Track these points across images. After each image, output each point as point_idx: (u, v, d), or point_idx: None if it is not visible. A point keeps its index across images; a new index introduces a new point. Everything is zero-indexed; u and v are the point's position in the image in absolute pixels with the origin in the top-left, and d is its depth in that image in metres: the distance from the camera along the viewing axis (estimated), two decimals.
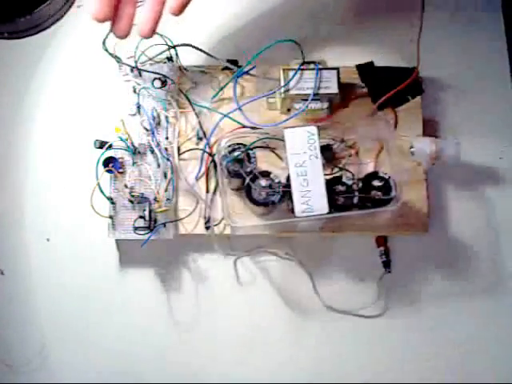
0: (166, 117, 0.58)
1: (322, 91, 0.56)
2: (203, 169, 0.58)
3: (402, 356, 0.57)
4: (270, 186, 0.53)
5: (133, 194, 0.56)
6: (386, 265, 0.57)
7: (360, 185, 0.54)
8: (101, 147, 0.55)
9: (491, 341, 0.57)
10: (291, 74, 0.56)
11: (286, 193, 0.52)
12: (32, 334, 0.57)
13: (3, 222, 0.59)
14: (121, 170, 0.57)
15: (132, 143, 0.57)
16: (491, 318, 0.57)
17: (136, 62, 0.58)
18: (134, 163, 0.57)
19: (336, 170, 0.56)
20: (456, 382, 0.56)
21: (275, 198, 0.53)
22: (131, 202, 0.56)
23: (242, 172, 0.54)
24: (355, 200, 0.53)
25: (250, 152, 0.54)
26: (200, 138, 0.59)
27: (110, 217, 0.56)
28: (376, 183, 0.54)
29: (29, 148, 0.61)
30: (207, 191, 0.58)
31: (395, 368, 0.57)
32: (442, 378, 0.56)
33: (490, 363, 0.56)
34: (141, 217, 0.56)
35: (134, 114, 0.58)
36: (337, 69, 0.57)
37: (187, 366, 0.56)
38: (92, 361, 0.57)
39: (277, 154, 0.58)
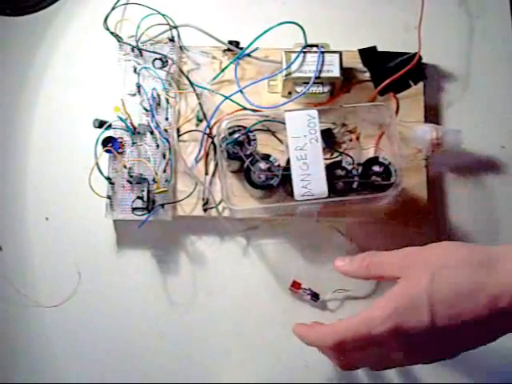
0: (166, 98, 0.58)
1: (323, 75, 0.56)
2: (203, 151, 0.58)
3: None
4: (269, 169, 0.53)
5: (131, 174, 0.55)
6: (315, 296, 0.56)
7: (360, 170, 0.54)
8: (100, 127, 0.55)
9: None
10: (293, 56, 0.56)
11: (286, 176, 0.52)
12: (28, 311, 0.57)
13: (3, 200, 0.59)
14: (120, 151, 0.56)
15: (132, 123, 0.56)
16: None
17: (137, 41, 0.58)
18: (133, 143, 0.57)
19: (336, 154, 0.56)
20: (455, 381, 0.56)
21: (274, 181, 0.53)
22: (130, 182, 0.56)
23: (242, 154, 0.53)
24: (355, 185, 0.53)
25: (250, 134, 0.54)
26: (200, 120, 0.58)
27: (108, 197, 0.56)
28: (376, 168, 0.54)
29: (29, 127, 0.61)
30: (206, 173, 0.57)
31: None
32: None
33: (487, 353, 0.56)
34: (139, 197, 0.55)
35: (134, 94, 0.58)
36: (339, 52, 0.56)
37: (184, 346, 0.56)
38: (88, 341, 0.57)
39: (277, 137, 0.57)
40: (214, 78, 0.59)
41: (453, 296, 0.41)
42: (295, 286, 0.56)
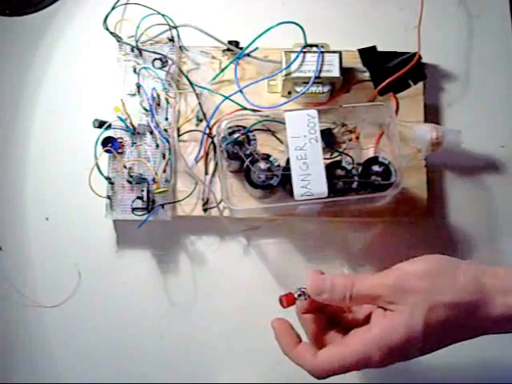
0: (166, 98, 0.58)
1: (323, 74, 0.56)
2: (202, 151, 0.58)
3: None
4: (269, 169, 0.53)
5: (131, 174, 0.55)
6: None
7: (360, 169, 0.54)
8: (100, 127, 0.55)
9: None
10: (293, 56, 0.56)
11: (286, 176, 0.52)
12: (27, 310, 0.57)
13: (3, 200, 0.59)
14: (120, 151, 0.56)
15: (131, 123, 0.56)
16: None
17: (137, 41, 0.58)
18: (133, 143, 0.57)
19: (336, 154, 0.56)
20: (456, 379, 0.56)
21: (274, 181, 0.53)
22: (129, 182, 0.56)
23: (242, 154, 0.53)
24: (354, 185, 0.53)
25: (250, 134, 0.54)
26: (200, 120, 0.58)
27: (108, 197, 0.56)
28: (376, 168, 0.54)
29: (29, 127, 0.61)
30: (206, 173, 0.57)
31: None
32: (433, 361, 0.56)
33: (487, 352, 0.56)
34: (139, 197, 0.55)
35: (134, 94, 0.58)
36: (339, 52, 0.56)
37: (184, 346, 0.57)
38: (88, 341, 0.57)
39: (277, 137, 0.57)
40: (214, 78, 0.59)
41: (445, 332, 0.42)
42: (288, 300, 0.47)
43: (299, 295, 0.46)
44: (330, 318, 0.47)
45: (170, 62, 0.58)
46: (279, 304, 0.46)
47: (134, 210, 0.55)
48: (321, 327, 0.47)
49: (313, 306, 0.46)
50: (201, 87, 0.59)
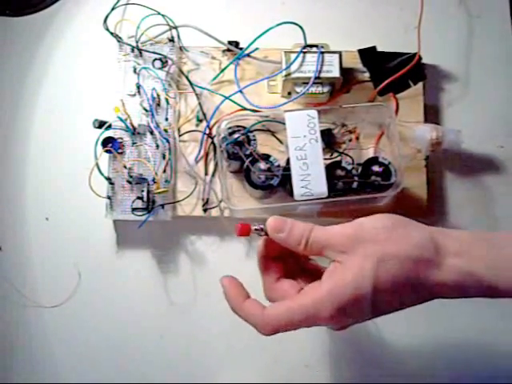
0: (166, 98, 0.58)
1: (323, 75, 0.56)
2: (202, 151, 0.58)
3: (399, 343, 0.57)
4: (269, 169, 0.53)
5: (131, 174, 0.55)
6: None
7: (360, 170, 0.54)
8: (100, 127, 0.55)
9: (488, 327, 0.57)
10: (293, 56, 0.56)
11: (286, 176, 0.52)
12: (27, 310, 0.57)
13: (3, 201, 0.59)
14: (120, 151, 0.56)
15: (131, 124, 0.56)
16: (489, 306, 0.57)
17: (137, 41, 0.58)
18: (133, 144, 0.57)
19: (336, 154, 0.56)
20: (456, 379, 0.56)
21: (274, 181, 0.53)
22: (130, 182, 0.56)
23: (242, 154, 0.53)
24: (354, 185, 0.53)
25: (250, 134, 0.54)
26: (200, 120, 0.58)
27: (108, 197, 0.56)
28: (376, 168, 0.54)
29: (29, 127, 0.61)
30: (206, 173, 0.57)
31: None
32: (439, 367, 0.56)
33: (488, 352, 0.57)
34: (139, 198, 0.55)
35: (134, 95, 0.58)
36: (339, 53, 0.56)
37: (184, 346, 0.57)
38: (88, 341, 0.57)
39: (277, 138, 0.57)
40: (214, 78, 0.59)
41: (395, 288, 0.40)
42: (243, 229, 0.45)
43: (256, 229, 0.45)
44: (289, 270, 0.46)
45: (170, 62, 0.58)
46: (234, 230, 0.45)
47: (134, 210, 0.55)
48: (275, 276, 0.46)
49: (272, 251, 0.46)
50: (201, 87, 0.59)
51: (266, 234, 0.44)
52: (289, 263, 0.46)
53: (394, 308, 0.42)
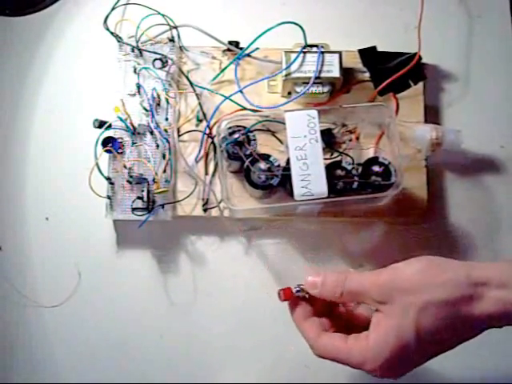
0: (166, 98, 0.58)
1: (323, 75, 0.56)
2: (203, 151, 0.58)
3: None
4: (269, 169, 0.53)
5: (131, 174, 0.55)
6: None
7: (360, 170, 0.54)
8: (100, 127, 0.55)
9: None
10: (293, 56, 0.56)
11: (286, 176, 0.52)
12: (27, 310, 0.57)
13: (3, 200, 0.59)
14: (120, 151, 0.56)
15: (131, 123, 0.56)
16: None
17: (137, 41, 0.58)
18: (133, 144, 0.57)
19: (336, 154, 0.56)
20: (456, 378, 0.56)
21: (274, 181, 0.53)
22: (130, 182, 0.56)
23: (242, 154, 0.53)
24: (354, 185, 0.53)
25: (250, 134, 0.54)
26: (200, 120, 0.58)
27: (108, 197, 0.56)
28: (376, 168, 0.54)
29: (29, 127, 0.61)
30: (206, 173, 0.57)
31: None
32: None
33: (487, 353, 0.56)
34: (139, 197, 0.55)
35: (134, 95, 0.58)
36: (339, 53, 0.56)
37: (184, 346, 0.57)
38: (88, 341, 0.57)
39: (277, 138, 0.57)
40: (214, 78, 0.59)
41: (439, 332, 0.41)
42: (286, 294, 0.47)
43: (297, 291, 0.46)
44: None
45: (170, 62, 0.58)
46: (277, 297, 0.46)
47: (134, 210, 0.55)
48: (320, 328, 0.46)
49: (314, 307, 0.47)
50: (201, 87, 0.59)
51: (308, 293, 0.46)
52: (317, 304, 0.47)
53: (442, 350, 0.42)
